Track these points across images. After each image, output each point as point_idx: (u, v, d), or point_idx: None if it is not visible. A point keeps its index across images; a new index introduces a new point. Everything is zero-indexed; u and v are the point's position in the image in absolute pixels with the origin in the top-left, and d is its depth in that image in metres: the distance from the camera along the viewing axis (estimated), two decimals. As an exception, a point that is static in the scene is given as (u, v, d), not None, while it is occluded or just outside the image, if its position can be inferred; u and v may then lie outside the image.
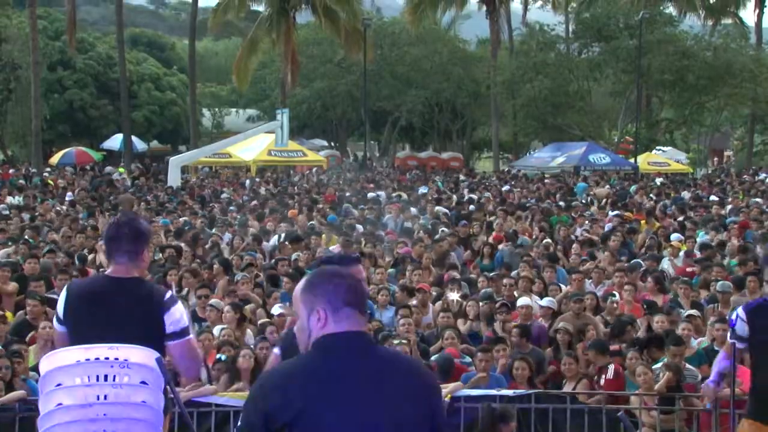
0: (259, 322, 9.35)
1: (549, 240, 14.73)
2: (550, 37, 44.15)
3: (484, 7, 45.24)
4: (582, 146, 37.52)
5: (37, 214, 18.15)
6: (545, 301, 10.04)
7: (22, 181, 27.10)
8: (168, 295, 4.44)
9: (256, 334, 8.97)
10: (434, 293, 10.78)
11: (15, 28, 42.26)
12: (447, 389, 7.09)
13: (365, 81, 40.49)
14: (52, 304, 9.37)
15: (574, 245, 14.07)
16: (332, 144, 55.72)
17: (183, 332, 4.37)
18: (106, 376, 3.47)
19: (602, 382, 7.78)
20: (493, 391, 7.34)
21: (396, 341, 7.71)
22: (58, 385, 3.46)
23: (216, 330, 8.66)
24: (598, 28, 41.98)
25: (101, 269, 10.26)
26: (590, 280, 11.49)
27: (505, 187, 26.98)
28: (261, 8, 41.70)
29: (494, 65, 43.69)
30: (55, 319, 4.51)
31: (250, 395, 3.01)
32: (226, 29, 54.03)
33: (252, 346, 8.21)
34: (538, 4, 51.30)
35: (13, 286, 10.32)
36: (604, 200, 21.90)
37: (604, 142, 42.39)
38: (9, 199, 21.19)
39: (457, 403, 7.11)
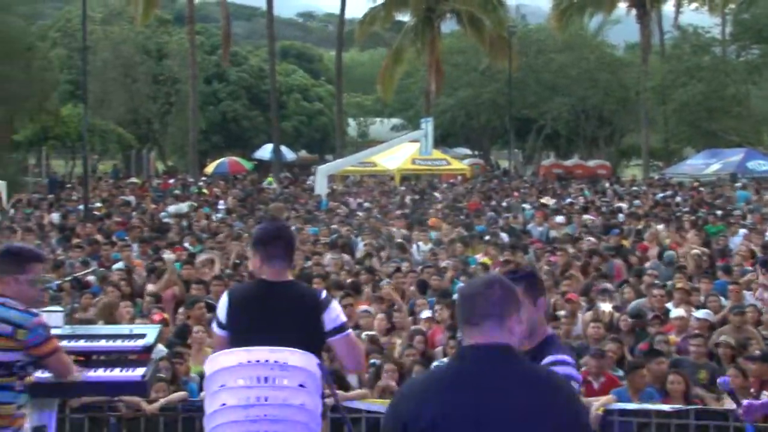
0: (411, 329, 9.38)
1: (705, 250, 14.14)
2: (704, 40, 42.38)
3: (633, 11, 43.96)
4: (740, 153, 35.76)
5: (192, 222, 18.97)
6: (701, 313, 9.61)
7: (177, 191, 28.43)
8: (323, 294, 4.54)
9: (404, 341, 9.04)
10: (583, 303, 10.56)
11: (175, 44, 44.52)
12: (599, 402, 6.91)
13: (510, 89, 40.16)
14: (211, 308, 9.80)
15: (736, 256, 13.48)
16: (476, 152, 55.54)
17: (343, 327, 4.44)
18: (266, 378, 3.59)
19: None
20: (649, 406, 7.06)
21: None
22: (222, 385, 3.60)
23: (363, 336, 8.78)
24: (759, 29, 39.91)
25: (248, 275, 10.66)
26: (749, 292, 10.93)
27: (660, 195, 26.13)
28: (406, 18, 42.15)
29: (645, 70, 42.37)
30: (215, 325, 4.62)
31: (390, 402, 3.08)
32: (371, 40, 54.91)
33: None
34: (693, 6, 49.34)
35: (175, 291, 10.79)
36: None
37: (763, 148, 40.25)
38: (170, 208, 22.27)
39: (610, 417, 6.91)
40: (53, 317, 5.43)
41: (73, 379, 4.84)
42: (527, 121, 49.80)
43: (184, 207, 22.21)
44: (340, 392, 7.00)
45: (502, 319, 2.98)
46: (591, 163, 46.89)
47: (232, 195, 26.82)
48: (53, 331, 5.18)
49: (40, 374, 4.87)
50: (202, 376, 7.86)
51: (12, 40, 32.32)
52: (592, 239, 15.40)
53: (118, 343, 5.28)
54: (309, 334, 4.23)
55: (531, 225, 18.69)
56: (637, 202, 23.79)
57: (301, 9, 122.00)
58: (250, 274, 11.21)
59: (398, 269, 12.14)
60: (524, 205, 23.50)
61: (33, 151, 43.40)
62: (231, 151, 47.08)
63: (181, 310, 9.82)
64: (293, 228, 16.92)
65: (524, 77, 46.63)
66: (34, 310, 4.65)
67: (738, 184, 29.29)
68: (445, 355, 8.21)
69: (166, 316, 9.31)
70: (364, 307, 9.66)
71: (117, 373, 5.04)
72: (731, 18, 44.25)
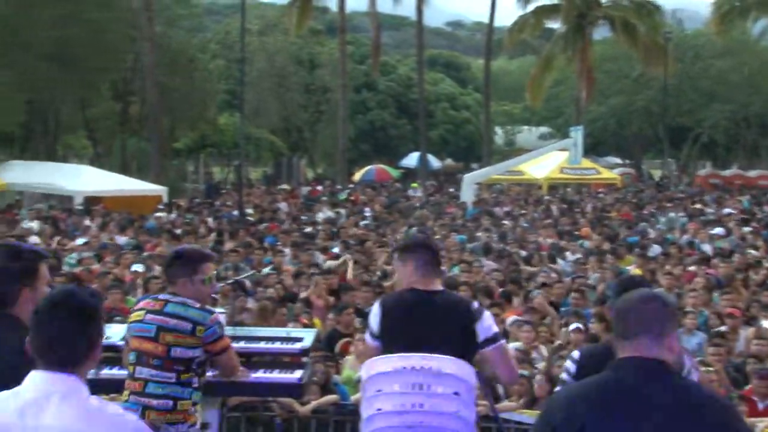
0: (557, 343, 9.23)
1: None
2: None
3: (802, 13, 41.55)
4: None
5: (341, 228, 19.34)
6: None
7: (325, 198, 29.10)
8: (476, 304, 4.54)
9: (552, 352, 8.89)
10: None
11: (326, 55, 45.67)
12: (764, 424, 6.56)
13: (665, 96, 38.87)
14: (360, 314, 9.97)
15: None
16: (627, 162, 54.02)
17: (496, 337, 4.42)
18: (421, 385, 3.61)
19: None
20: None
21: (703, 369, 7.29)
22: (378, 390, 3.65)
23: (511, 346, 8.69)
24: None
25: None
26: None
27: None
28: (556, 26, 41.54)
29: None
30: (368, 335, 4.66)
31: (542, 409, 3.11)
32: (520, 48, 54.46)
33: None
34: None
35: (326, 299, 11.05)
36: None
37: None
38: (320, 214, 22.83)
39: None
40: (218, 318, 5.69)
41: (238, 379, 5.04)
42: (682, 129, 48.04)
43: (333, 214, 22.72)
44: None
45: (660, 337, 2.92)
46: (752, 173, 44.61)
47: (378, 202, 27.21)
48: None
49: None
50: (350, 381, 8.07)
51: (175, 52, 34.11)
52: (754, 252, 14.68)
53: (277, 345, 5.46)
54: (461, 344, 4.22)
55: (684, 237, 18.02)
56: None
57: (450, 18, 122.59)
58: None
59: (544, 283, 11.94)
60: (680, 216, 22.69)
61: (192, 158, 45.51)
62: (378, 159, 47.79)
63: (330, 315, 10.04)
64: (438, 236, 17.07)
65: (680, 84, 45.03)
66: (210, 308, 4.88)
67: None
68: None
69: (316, 320, 9.53)
70: (513, 317, 9.58)
71: (276, 375, 5.21)
72: None
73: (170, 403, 4.68)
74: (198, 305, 4.78)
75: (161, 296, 4.94)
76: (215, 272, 5.86)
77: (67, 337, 2.85)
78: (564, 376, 4.22)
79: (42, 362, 2.85)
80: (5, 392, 2.87)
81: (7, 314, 3.27)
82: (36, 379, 2.85)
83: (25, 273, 3.35)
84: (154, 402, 4.68)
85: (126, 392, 4.79)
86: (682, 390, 2.91)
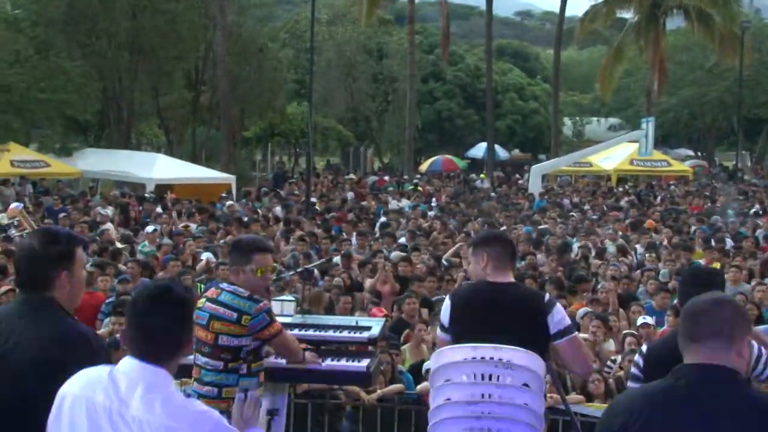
0: (623, 333, 9.11)
1: None
2: None
3: None
4: None
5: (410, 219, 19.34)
6: None
7: (391, 188, 29.13)
8: (547, 297, 4.52)
9: (618, 345, 8.80)
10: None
11: (395, 44, 45.64)
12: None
13: (741, 87, 37.79)
14: (425, 304, 10.00)
15: None
16: (699, 154, 52.82)
17: (568, 330, 4.39)
18: (490, 376, 3.61)
19: None
20: None
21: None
22: (447, 380, 3.66)
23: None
24: None
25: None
26: None
27: None
28: (629, 15, 40.74)
29: None
30: (438, 329, 4.68)
31: (604, 412, 3.04)
32: (590, 38, 53.52)
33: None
34: None
35: (392, 285, 11.09)
36: None
37: None
38: (392, 204, 22.88)
39: None
40: (285, 306, 5.75)
41: (307, 365, 5.10)
42: (758, 121, 46.74)
43: (403, 204, 22.75)
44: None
45: (731, 340, 2.83)
46: None
47: (445, 193, 27.14)
48: (285, 320, 5.48)
49: (275, 359, 5.17)
50: (414, 369, 8.10)
51: (246, 41, 34.46)
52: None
53: (345, 333, 5.50)
54: (533, 336, 4.20)
55: (759, 231, 17.60)
56: None
57: (519, 8, 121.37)
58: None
59: (614, 277, 11.78)
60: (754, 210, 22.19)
61: (260, 147, 46.00)
62: (445, 150, 47.60)
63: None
64: (505, 228, 16.96)
65: (756, 75, 43.75)
66: (258, 297, 4.90)
67: None
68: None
69: (385, 311, 9.57)
70: (584, 309, 9.49)
71: (344, 363, 5.26)
72: None
73: (215, 390, 4.77)
74: (246, 294, 4.83)
75: (221, 285, 5.01)
76: (275, 263, 5.92)
77: (165, 331, 2.91)
78: (633, 370, 4.18)
79: (136, 352, 2.91)
80: (102, 368, 2.94)
81: (47, 297, 3.33)
82: (128, 367, 2.91)
83: (62, 257, 3.39)
84: (204, 389, 4.78)
85: (192, 378, 4.91)
86: (753, 404, 2.81)
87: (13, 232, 13.71)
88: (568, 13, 40.53)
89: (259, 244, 5.19)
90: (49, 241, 3.43)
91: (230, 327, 4.75)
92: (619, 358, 8.47)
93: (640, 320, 9.20)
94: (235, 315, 4.76)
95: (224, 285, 4.96)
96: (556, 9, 41.82)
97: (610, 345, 8.99)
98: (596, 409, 7.06)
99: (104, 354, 3.22)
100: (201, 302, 4.90)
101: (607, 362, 8.36)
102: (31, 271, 3.38)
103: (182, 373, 5.13)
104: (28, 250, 3.42)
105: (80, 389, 2.92)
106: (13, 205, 16.11)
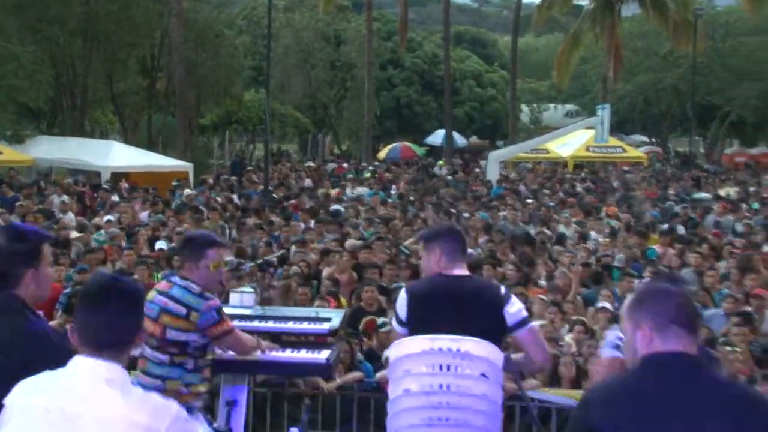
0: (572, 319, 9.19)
1: None
2: None
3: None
4: None
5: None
6: None
7: (350, 176, 29.08)
8: (503, 290, 4.54)
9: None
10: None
11: (353, 31, 45.51)
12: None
13: (694, 74, 38.39)
14: (383, 291, 10.01)
15: None
16: (653, 140, 53.56)
17: (526, 321, 4.44)
18: (448, 366, 3.63)
19: None
20: None
21: (728, 348, 7.28)
22: (406, 371, 3.68)
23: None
24: None
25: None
26: None
27: None
28: (585, 2, 41.10)
29: None
30: (395, 322, 4.67)
31: (577, 405, 3.05)
32: (548, 25, 53.86)
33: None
34: None
35: (350, 274, 11.07)
36: None
37: None
38: (348, 191, 22.82)
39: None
40: (245, 298, 5.73)
41: (266, 358, 5.09)
42: (711, 107, 47.52)
43: (362, 191, 22.70)
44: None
45: (691, 328, 2.90)
46: None
47: (403, 180, 27.17)
48: (245, 312, 5.45)
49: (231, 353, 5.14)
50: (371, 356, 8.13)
51: (202, 28, 34.07)
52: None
53: (305, 325, 5.50)
54: (490, 327, 4.23)
55: (710, 217, 17.90)
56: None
57: None
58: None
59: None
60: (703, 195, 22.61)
61: (217, 135, 45.65)
62: (403, 137, 47.69)
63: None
64: (465, 214, 17.03)
65: (709, 62, 44.43)
66: (209, 294, 4.89)
67: None
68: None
69: (343, 301, 9.58)
70: (539, 295, 9.59)
71: (304, 355, 5.26)
72: None
73: (159, 383, 4.74)
74: (197, 290, 4.81)
75: (174, 278, 5.00)
76: (228, 258, 5.88)
77: (117, 324, 2.89)
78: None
79: (88, 346, 2.88)
80: (49, 373, 2.89)
81: (11, 295, 3.30)
82: (81, 365, 2.87)
83: (29, 254, 3.37)
84: (148, 380, 4.74)
85: (138, 370, 4.87)
86: (714, 387, 2.88)
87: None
88: (526, 0, 40.77)
89: (213, 239, 5.16)
90: (15, 239, 3.39)
91: (178, 322, 4.74)
92: (569, 338, 8.59)
93: (599, 304, 9.32)
94: (184, 310, 4.75)
95: (176, 279, 4.95)
96: (514, -4, 42.06)
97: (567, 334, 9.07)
98: (553, 394, 7.15)
99: (68, 352, 3.17)
100: (151, 295, 4.87)
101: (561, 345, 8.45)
102: None
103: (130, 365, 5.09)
104: None
105: (30, 395, 2.87)
106: None
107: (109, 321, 2.88)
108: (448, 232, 4.66)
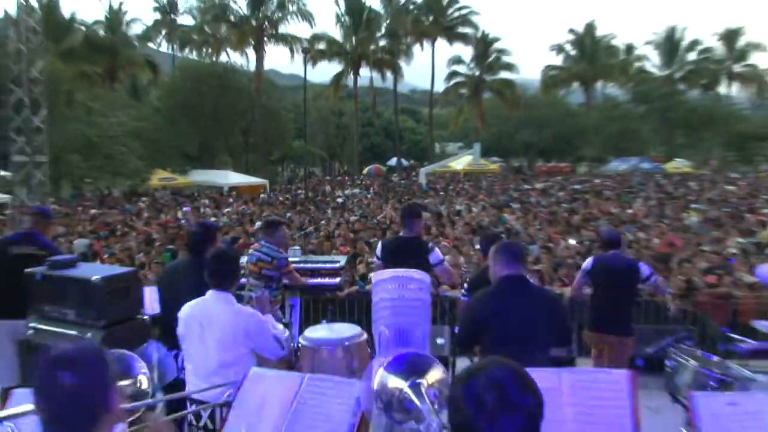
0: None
1: None
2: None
3: None
4: None
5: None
6: None
7: (350, 183, 28.62)
8: (429, 244, 4.47)
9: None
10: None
11: (348, 108, 44.67)
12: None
13: (517, 129, 38.15)
14: (368, 244, 9.76)
15: None
16: (502, 160, 53.31)
17: (441, 262, 4.38)
18: (402, 285, 3.64)
19: None
20: None
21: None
22: (381, 288, 3.67)
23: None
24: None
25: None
26: None
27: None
28: (464, 92, 40.50)
29: None
30: (375, 258, 4.60)
31: (468, 306, 3.10)
32: (448, 102, 52.96)
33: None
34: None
35: (348, 234, 10.76)
36: None
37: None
38: (347, 191, 22.37)
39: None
40: (296, 251, 5.67)
41: (303, 282, 4.99)
42: (526, 142, 46.96)
43: (355, 191, 22.18)
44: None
45: (524, 263, 2.99)
46: (546, 166, 43.45)
47: (376, 185, 26.63)
48: (295, 259, 5.39)
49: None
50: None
51: (272, 111, 33.33)
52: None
53: (327, 264, 5.48)
54: (423, 264, 4.19)
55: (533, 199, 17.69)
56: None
57: (411, 87, 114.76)
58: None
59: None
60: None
61: (280, 164, 44.72)
62: (375, 162, 46.79)
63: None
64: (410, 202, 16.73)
65: (524, 119, 43.75)
66: (282, 251, 4.76)
67: None
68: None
69: (348, 249, 9.40)
70: (445, 243, 9.48)
71: (326, 280, 5.24)
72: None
73: (259, 293, 4.62)
74: (276, 249, 4.69)
75: (261, 241, 4.88)
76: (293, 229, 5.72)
77: (225, 273, 2.89)
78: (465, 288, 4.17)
79: (213, 285, 2.88)
80: (197, 300, 2.89)
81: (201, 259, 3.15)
82: (210, 294, 2.88)
83: (212, 237, 3.52)
84: (254, 295, 4.68)
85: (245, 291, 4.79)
86: (535, 292, 2.97)
87: None
88: (436, 89, 40.74)
89: (279, 220, 5.06)
90: (209, 228, 3.52)
91: (266, 265, 4.65)
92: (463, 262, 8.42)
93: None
94: (269, 259, 4.65)
95: (263, 242, 4.82)
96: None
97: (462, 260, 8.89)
98: (453, 293, 7.05)
99: (206, 286, 2.96)
100: (250, 250, 4.74)
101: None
102: None
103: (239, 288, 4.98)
104: None
105: (188, 310, 2.88)
106: None
107: (222, 272, 2.87)
108: (408, 210, 4.50)
